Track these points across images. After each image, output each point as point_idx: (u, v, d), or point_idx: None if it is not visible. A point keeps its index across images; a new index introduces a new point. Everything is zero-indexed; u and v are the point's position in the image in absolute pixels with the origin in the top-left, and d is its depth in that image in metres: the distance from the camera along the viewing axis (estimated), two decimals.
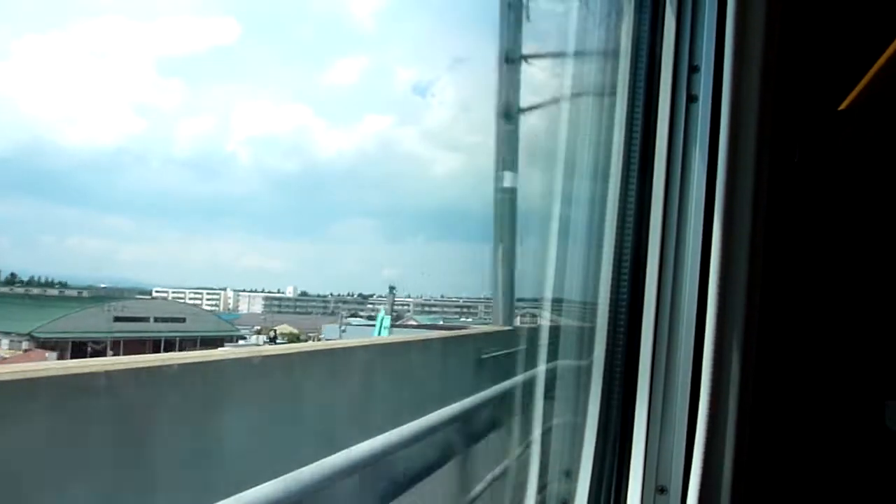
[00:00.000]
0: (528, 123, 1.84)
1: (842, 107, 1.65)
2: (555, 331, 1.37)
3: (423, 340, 2.65)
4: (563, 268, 1.34)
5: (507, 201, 1.92)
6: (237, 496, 1.06)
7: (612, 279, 1.21)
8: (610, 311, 1.21)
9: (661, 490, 1.11)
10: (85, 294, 3.87)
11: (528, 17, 1.80)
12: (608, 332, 1.20)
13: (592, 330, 1.23)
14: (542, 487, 1.30)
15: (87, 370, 1.03)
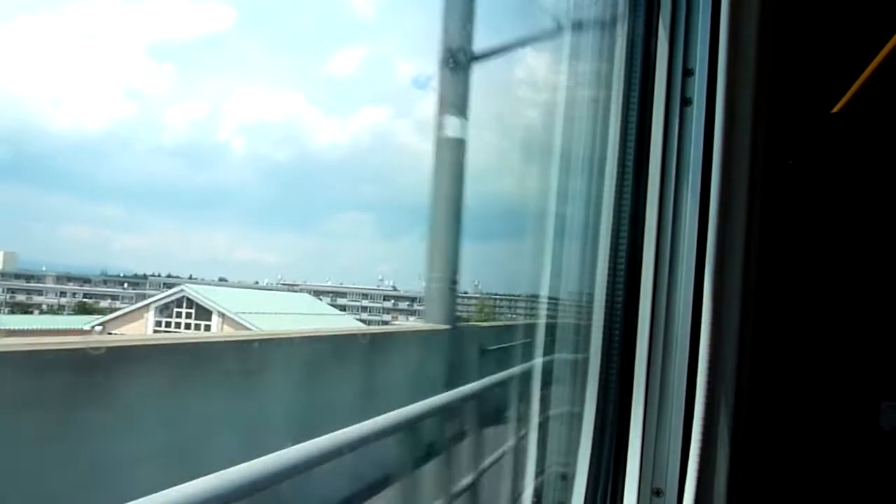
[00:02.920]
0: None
1: (835, 109, 1.67)
2: (551, 328, 1.37)
3: None
4: (558, 268, 1.34)
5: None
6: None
7: (608, 283, 1.21)
8: (605, 313, 1.21)
9: (657, 492, 1.11)
10: None
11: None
12: (603, 333, 1.20)
13: (588, 329, 1.23)
14: (537, 489, 1.30)
15: None
